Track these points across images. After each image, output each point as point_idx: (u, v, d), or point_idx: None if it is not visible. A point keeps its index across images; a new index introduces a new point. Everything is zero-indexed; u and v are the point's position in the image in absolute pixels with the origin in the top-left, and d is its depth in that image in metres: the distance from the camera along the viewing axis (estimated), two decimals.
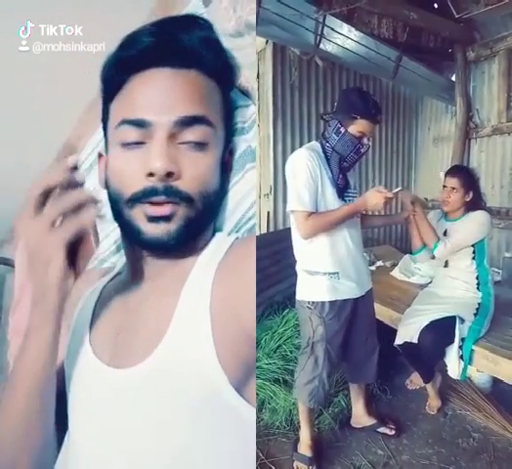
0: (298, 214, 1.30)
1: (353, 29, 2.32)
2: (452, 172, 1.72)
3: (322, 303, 1.35)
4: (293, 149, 2.59)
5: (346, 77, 2.94)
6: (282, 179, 2.53)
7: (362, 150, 1.35)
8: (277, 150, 2.58)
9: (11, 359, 1.40)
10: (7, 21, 1.71)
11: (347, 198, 1.37)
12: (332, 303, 1.35)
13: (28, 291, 1.42)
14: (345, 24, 2.28)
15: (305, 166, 1.28)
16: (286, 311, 1.97)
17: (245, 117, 0.91)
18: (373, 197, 1.30)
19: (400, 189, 1.44)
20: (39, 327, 0.69)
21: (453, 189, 1.67)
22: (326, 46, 2.24)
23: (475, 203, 1.69)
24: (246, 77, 0.93)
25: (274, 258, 2.26)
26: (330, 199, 1.33)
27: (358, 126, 1.31)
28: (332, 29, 2.22)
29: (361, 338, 1.48)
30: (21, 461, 0.70)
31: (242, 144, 0.90)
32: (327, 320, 1.36)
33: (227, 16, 0.99)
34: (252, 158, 0.89)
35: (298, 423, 1.58)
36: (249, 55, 0.96)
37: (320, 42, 2.16)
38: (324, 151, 1.35)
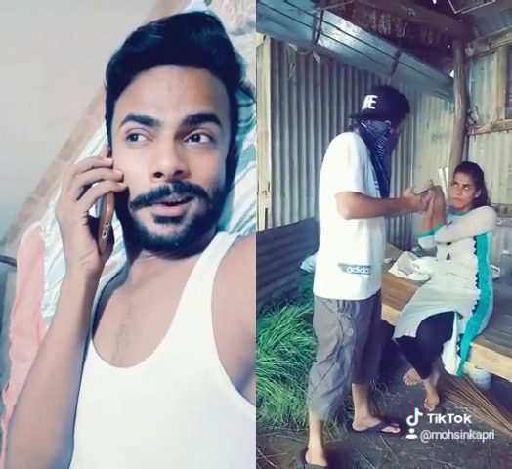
0: (347, 193, 1.21)
1: (351, 25, 2.30)
2: (464, 168, 1.71)
3: (353, 303, 1.29)
4: (291, 146, 2.61)
5: (344, 73, 2.92)
6: (280, 175, 2.52)
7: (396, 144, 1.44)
8: (275, 147, 2.57)
9: (12, 357, 1.41)
10: (7, 20, 1.70)
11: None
12: (362, 301, 1.30)
13: (30, 290, 1.42)
14: (343, 20, 2.27)
15: (357, 149, 1.25)
16: (284, 308, 1.97)
17: (247, 116, 0.90)
18: (414, 201, 1.37)
19: (429, 187, 1.49)
20: (68, 297, 0.75)
21: (466, 186, 1.66)
22: (324, 42, 2.22)
23: (482, 201, 1.70)
24: (247, 76, 0.93)
25: (272, 255, 2.26)
26: (371, 194, 1.30)
27: (401, 125, 1.40)
28: (330, 25, 2.20)
29: (370, 336, 1.43)
30: (43, 428, 0.74)
31: (244, 142, 0.90)
32: (358, 321, 1.30)
33: (228, 14, 0.99)
34: (254, 157, 0.89)
35: (296, 420, 1.58)
36: (250, 53, 0.96)
37: (317, 38, 2.14)
38: (376, 151, 1.35)
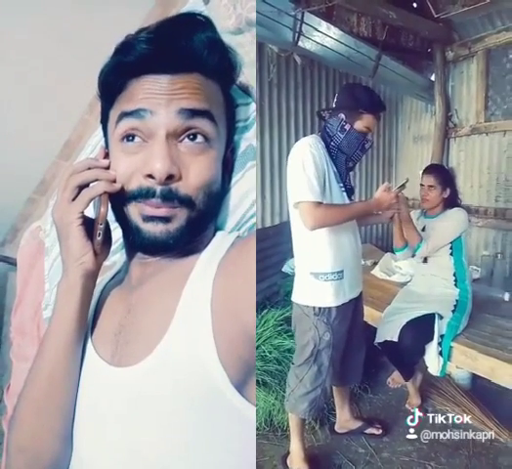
0: (307, 204, 1.19)
1: (332, 27, 2.30)
2: (428, 170, 1.77)
3: (329, 308, 1.29)
4: (272, 147, 2.59)
5: (325, 75, 2.92)
6: (261, 177, 2.50)
7: (366, 147, 1.32)
8: (256, 148, 2.55)
9: (13, 357, 1.38)
10: (7, 20, 1.68)
11: (352, 199, 1.35)
12: (338, 307, 1.30)
13: (30, 291, 1.39)
14: (324, 22, 2.26)
15: (312, 156, 1.20)
16: (265, 311, 1.95)
17: (246, 116, 0.90)
18: (386, 197, 1.29)
19: (404, 181, 1.38)
20: (65, 297, 0.76)
21: (431, 186, 1.72)
22: (305, 43, 2.21)
23: (452, 200, 1.75)
24: (246, 75, 0.91)
25: None
26: (337, 197, 1.27)
27: (363, 121, 1.27)
28: (311, 27, 2.20)
29: (351, 339, 1.43)
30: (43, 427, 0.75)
31: (243, 142, 0.89)
32: (335, 326, 1.30)
33: (227, 13, 0.98)
34: (253, 157, 0.88)
35: (278, 424, 1.57)
36: (249, 52, 0.96)
37: (298, 39, 2.13)
38: (329, 149, 1.28)
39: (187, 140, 0.74)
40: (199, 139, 0.74)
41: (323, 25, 2.27)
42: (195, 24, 0.77)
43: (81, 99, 1.91)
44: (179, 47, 0.74)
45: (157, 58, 0.73)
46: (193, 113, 0.73)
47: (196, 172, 0.74)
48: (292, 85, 2.67)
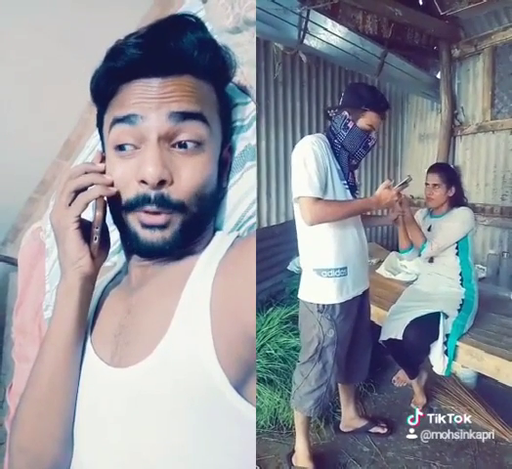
0: (306, 199, 1.21)
1: (337, 25, 2.29)
2: (433, 169, 1.77)
3: (333, 305, 1.29)
4: (277, 146, 2.60)
5: (331, 73, 2.92)
6: (266, 176, 2.51)
7: (369, 145, 1.32)
8: (261, 147, 2.55)
9: (15, 357, 1.39)
10: (7, 20, 1.69)
11: (357, 197, 1.35)
12: (342, 303, 1.30)
13: (31, 291, 1.40)
14: (329, 20, 2.26)
15: (314, 153, 1.22)
16: (270, 309, 1.96)
17: (244, 115, 0.90)
18: (386, 195, 1.28)
19: (406, 179, 1.38)
20: (64, 300, 0.77)
21: (435, 185, 1.71)
22: (311, 41, 2.22)
23: (458, 199, 1.74)
24: (245, 75, 0.91)
25: (258, 256, 2.23)
26: (340, 194, 1.28)
27: (366, 119, 1.28)
28: (317, 25, 2.20)
29: (358, 337, 1.43)
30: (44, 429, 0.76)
31: (242, 142, 0.88)
32: (339, 322, 1.30)
33: (225, 12, 0.98)
34: (252, 156, 0.88)
35: (283, 422, 1.57)
36: (248, 52, 0.95)
37: (303, 37, 2.13)
38: (333, 147, 1.30)
39: (178, 147, 0.75)
40: (190, 146, 0.75)
41: (329, 23, 2.26)
42: (185, 25, 0.77)
43: (81, 99, 1.92)
44: (168, 49, 0.74)
45: (147, 62, 0.74)
46: (185, 116, 0.74)
47: (188, 175, 0.74)
48: (298, 83, 2.67)
